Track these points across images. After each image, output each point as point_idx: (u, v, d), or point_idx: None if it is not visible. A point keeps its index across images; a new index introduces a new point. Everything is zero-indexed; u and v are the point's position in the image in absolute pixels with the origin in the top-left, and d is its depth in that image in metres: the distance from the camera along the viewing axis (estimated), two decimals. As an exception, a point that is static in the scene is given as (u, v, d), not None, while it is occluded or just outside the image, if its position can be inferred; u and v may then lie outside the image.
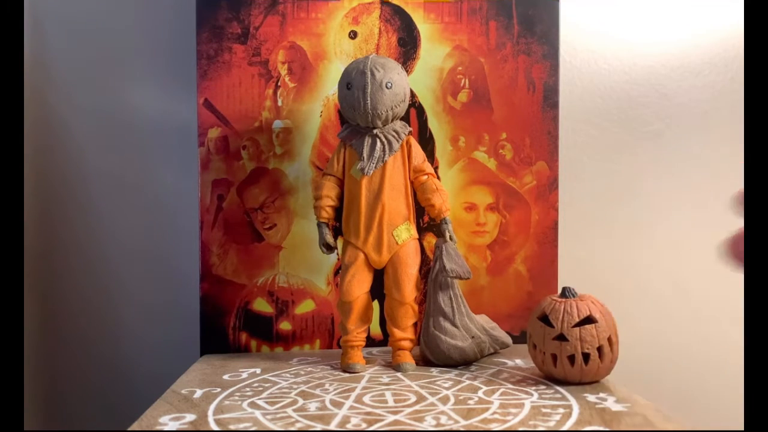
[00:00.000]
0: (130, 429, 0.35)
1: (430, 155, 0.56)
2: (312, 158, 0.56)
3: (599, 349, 0.41)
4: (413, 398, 0.40)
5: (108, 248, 0.64)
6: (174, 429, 0.35)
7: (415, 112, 0.56)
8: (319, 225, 0.51)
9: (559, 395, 0.40)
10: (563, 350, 0.41)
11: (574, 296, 0.43)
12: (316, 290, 0.56)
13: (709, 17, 0.66)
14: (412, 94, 0.56)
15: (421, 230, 0.55)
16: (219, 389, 0.43)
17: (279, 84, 0.56)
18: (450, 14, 0.56)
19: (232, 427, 0.35)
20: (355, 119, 0.48)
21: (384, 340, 0.56)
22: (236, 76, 0.56)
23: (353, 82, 0.47)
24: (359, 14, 0.56)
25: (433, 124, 0.57)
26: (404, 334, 0.49)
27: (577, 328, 0.41)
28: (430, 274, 0.49)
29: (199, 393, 0.42)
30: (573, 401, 0.39)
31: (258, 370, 0.48)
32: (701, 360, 0.66)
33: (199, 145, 0.56)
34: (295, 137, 0.56)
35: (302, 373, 0.48)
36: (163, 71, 0.63)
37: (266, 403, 0.40)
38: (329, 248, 0.51)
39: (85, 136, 0.63)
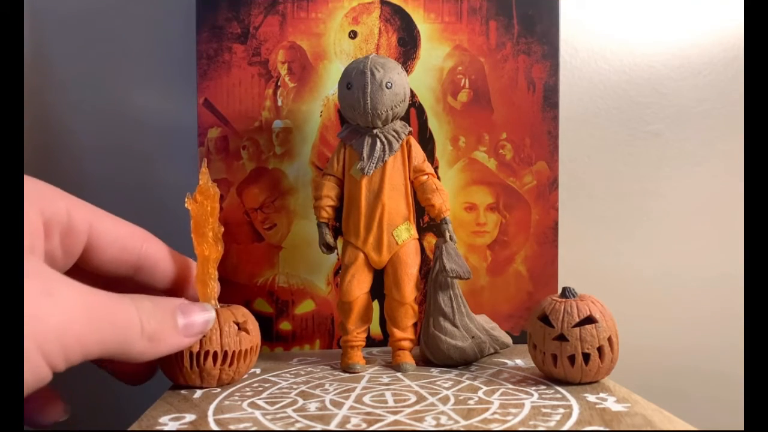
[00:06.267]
0: (130, 429, 0.35)
1: (430, 155, 0.56)
2: (312, 158, 0.56)
3: (599, 349, 0.41)
4: (413, 398, 0.40)
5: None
6: (174, 429, 0.35)
7: (415, 112, 0.56)
8: (319, 225, 0.51)
9: (559, 395, 0.40)
10: (563, 350, 0.41)
11: (574, 296, 0.43)
12: (316, 290, 0.56)
13: (709, 17, 0.66)
14: (412, 94, 0.56)
15: (421, 230, 0.55)
16: (219, 389, 0.43)
17: (279, 84, 0.56)
18: (450, 14, 0.56)
19: (232, 427, 0.35)
20: (355, 119, 0.48)
21: (384, 340, 0.56)
22: (236, 76, 0.56)
23: (353, 82, 0.47)
24: (359, 14, 0.56)
25: (433, 124, 0.57)
26: (404, 334, 0.49)
27: (577, 328, 0.41)
28: (430, 274, 0.49)
29: (199, 393, 0.42)
30: (573, 401, 0.39)
31: (258, 370, 0.48)
32: (701, 360, 0.66)
33: (199, 145, 0.56)
34: (295, 137, 0.56)
35: (302, 373, 0.48)
36: (163, 71, 0.63)
37: (266, 403, 0.40)
38: (329, 248, 0.51)
39: (85, 136, 0.63)
